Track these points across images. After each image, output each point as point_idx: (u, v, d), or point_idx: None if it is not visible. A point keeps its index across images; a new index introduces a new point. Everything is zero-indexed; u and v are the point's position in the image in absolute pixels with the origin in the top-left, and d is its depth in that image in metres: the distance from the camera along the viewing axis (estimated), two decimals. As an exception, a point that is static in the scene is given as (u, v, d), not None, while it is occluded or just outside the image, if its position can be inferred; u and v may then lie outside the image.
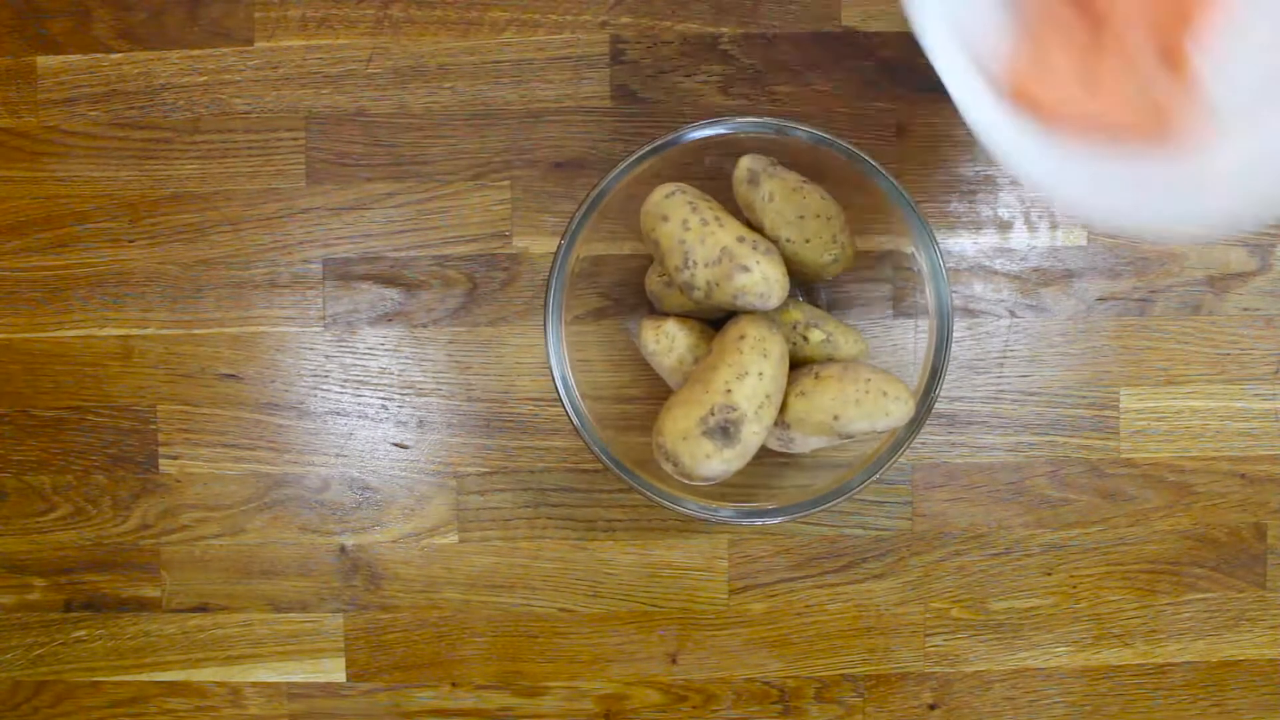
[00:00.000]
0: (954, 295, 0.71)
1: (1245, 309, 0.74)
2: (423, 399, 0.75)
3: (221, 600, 0.75)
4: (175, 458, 0.75)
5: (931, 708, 0.75)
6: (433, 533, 0.75)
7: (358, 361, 0.75)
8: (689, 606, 0.75)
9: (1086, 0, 0.41)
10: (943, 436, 0.74)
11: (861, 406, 0.60)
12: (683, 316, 0.66)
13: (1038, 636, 0.75)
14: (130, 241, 0.75)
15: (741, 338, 0.60)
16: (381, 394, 0.75)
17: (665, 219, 0.60)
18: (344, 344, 0.75)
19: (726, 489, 0.65)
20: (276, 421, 0.75)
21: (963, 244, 0.74)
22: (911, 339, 0.67)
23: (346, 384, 0.75)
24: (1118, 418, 0.74)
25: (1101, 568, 0.75)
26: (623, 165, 0.61)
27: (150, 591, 0.76)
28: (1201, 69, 0.39)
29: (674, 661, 0.75)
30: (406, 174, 0.74)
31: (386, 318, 0.75)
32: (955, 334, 0.73)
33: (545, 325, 0.63)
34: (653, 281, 0.68)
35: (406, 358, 0.75)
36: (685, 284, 0.60)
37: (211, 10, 0.75)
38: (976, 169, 0.74)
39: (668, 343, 0.65)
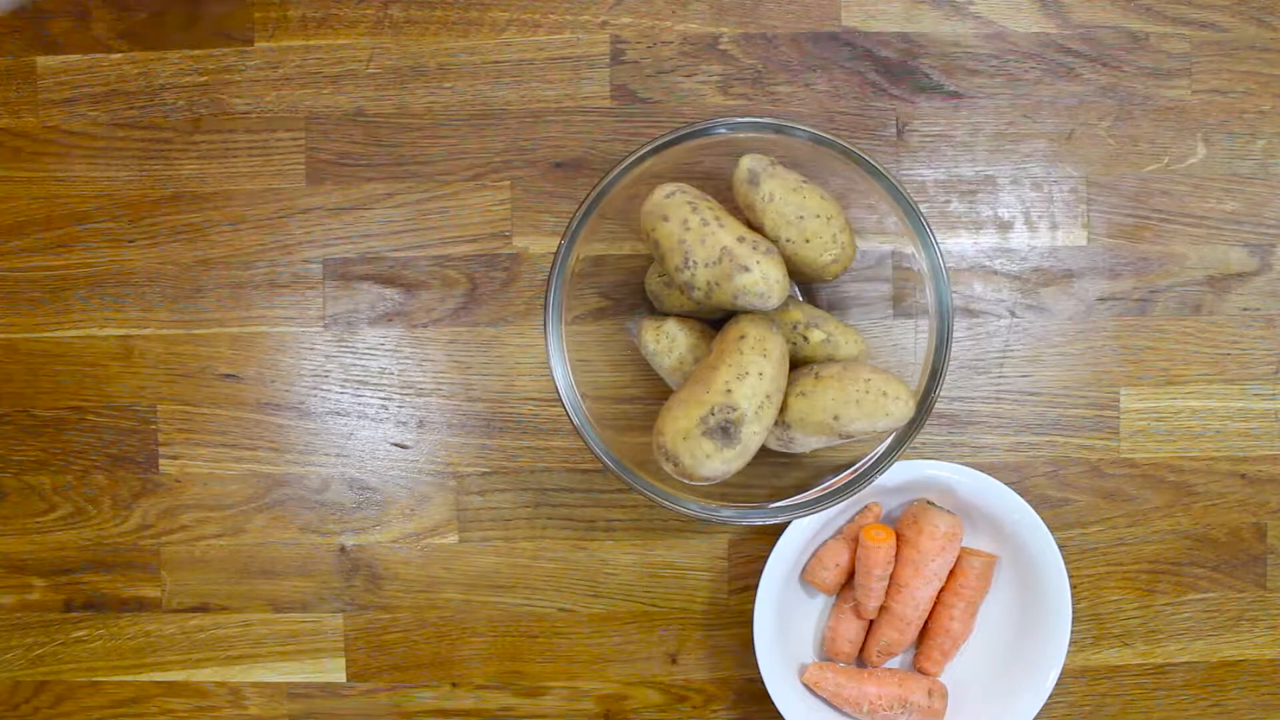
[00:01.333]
0: (954, 295, 0.71)
1: (1245, 309, 0.74)
2: (423, 399, 0.75)
3: (221, 600, 0.75)
4: (175, 458, 0.75)
5: (931, 708, 0.75)
6: (433, 533, 0.75)
7: (358, 361, 0.75)
8: (689, 606, 0.75)
9: None
10: (943, 436, 0.74)
11: (861, 406, 0.60)
12: (683, 316, 0.66)
13: (1038, 636, 0.75)
14: (130, 241, 0.75)
15: (741, 338, 0.60)
16: (381, 394, 0.75)
17: (665, 219, 0.60)
18: (344, 344, 0.75)
19: (726, 489, 0.65)
20: (276, 421, 0.75)
21: (963, 244, 0.74)
22: (911, 339, 0.67)
23: (346, 384, 0.75)
24: (1118, 418, 0.74)
25: (1101, 568, 0.75)
26: (623, 165, 0.61)
27: (150, 591, 0.75)
28: None
29: (674, 661, 0.75)
30: (406, 174, 0.74)
31: (386, 318, 0.75)
32: (955, 334, 0.73)
33: (545, 325, 0.63)
34: (653, 281, 0.68)
35: (406, 358, 0.75)
36: (685, 284, 0.60)
37: (211, 10, 0.75)
38: (976, 169, 0.74)
39: (668, 343, 0.65)
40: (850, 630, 0.71)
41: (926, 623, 0.71)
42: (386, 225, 0.74)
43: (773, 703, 0.69)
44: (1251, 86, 0.74)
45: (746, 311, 0.62)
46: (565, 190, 0.74)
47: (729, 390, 0.58)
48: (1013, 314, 0.74)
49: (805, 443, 0.63)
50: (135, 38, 0.75)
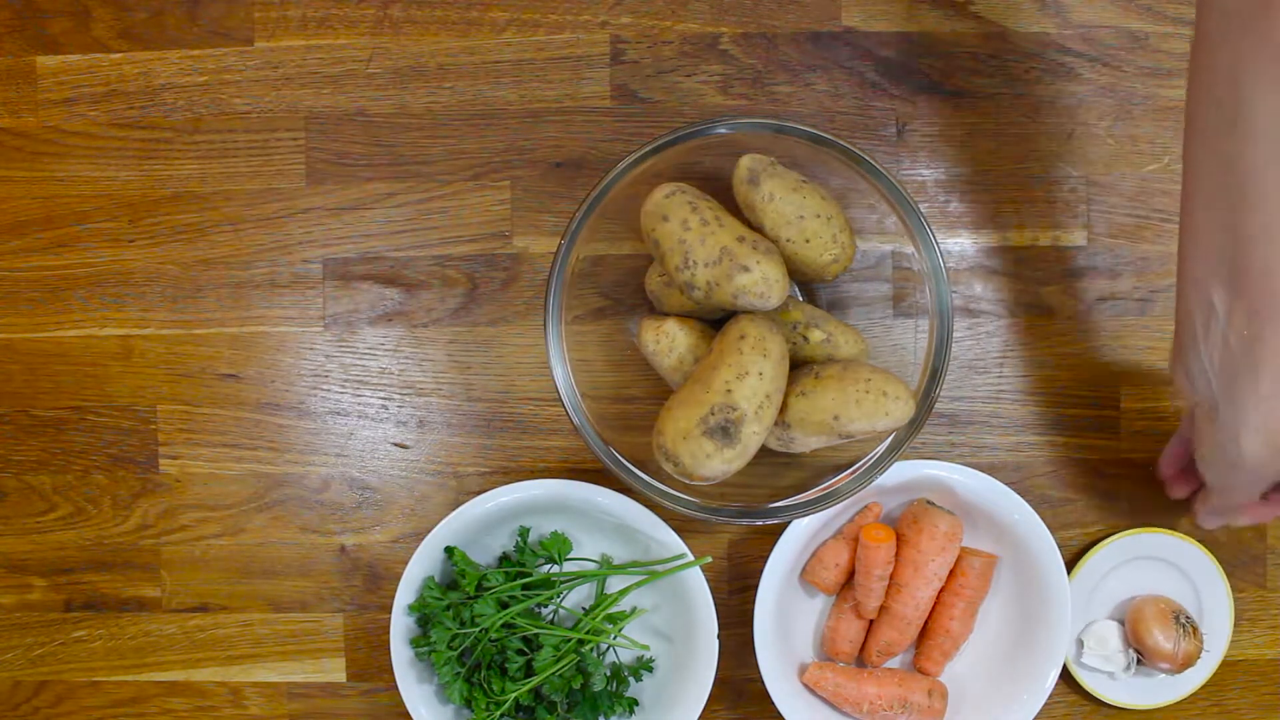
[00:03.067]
0: (954, 295, 0.71)
1: (1245, 309, 0.74)
2: (423, 399, 0.75)
3: (221, 600, 0.75)
4: (175, 458, 0.75)
5: (931, 708, 0.75)
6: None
7: (358, 361, 0.75)
8: (689, 606, 0.75)
9: None
10: (943, 436, 0.74)
11: (861, 406, 0.60)
12: (683, 316, 0.66)
13: (1038, 636, 0.75)
14: (130, 241, 0.75)
15: (741, 338, 0.60)
16: (381, 394, 0.75)
17: (665, 219, 0.60)
18: (344, 344, 0.75)
19: (726, 489, 0.65)
20: (276, 421, 0.75)
21: (963, 244, 0.74)
22: (911, 339, 0.67)
23: (346, 384, 0.75)
24: (1118, 418, 0.74)
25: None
26: (623, 165, 0.61)
27: (150, 591, 0.75)
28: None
29: (674, 661, 0.75)
30: (406, 174, 0.74)
31: (386, 318, 0.75)
32: (955, 334, 0.73)
33: (545, 325, 0.63)
34: (653, 281, 0.68)
35: (406, 358, 0.75)
36: (685, 284, 0.60)
37: (211, 10, 0.75)
38: (977, 169, 0.74)
39: (668, 343, 0.65)
40: (850, 630, 0.71)
41: (926, 623, 0.71)
42: (386, 225, 0.74)
43: (773, 703, 0.69)
44: (1251, 86, 0.74)
45: (746, 311, 0.62)
46: (565, 190, 0.74)
47: (729, 390, 0.58)
48: (1013, 314, 0.74)
49: (805, 443, 0.63)
50: (135, 38, 0.75)
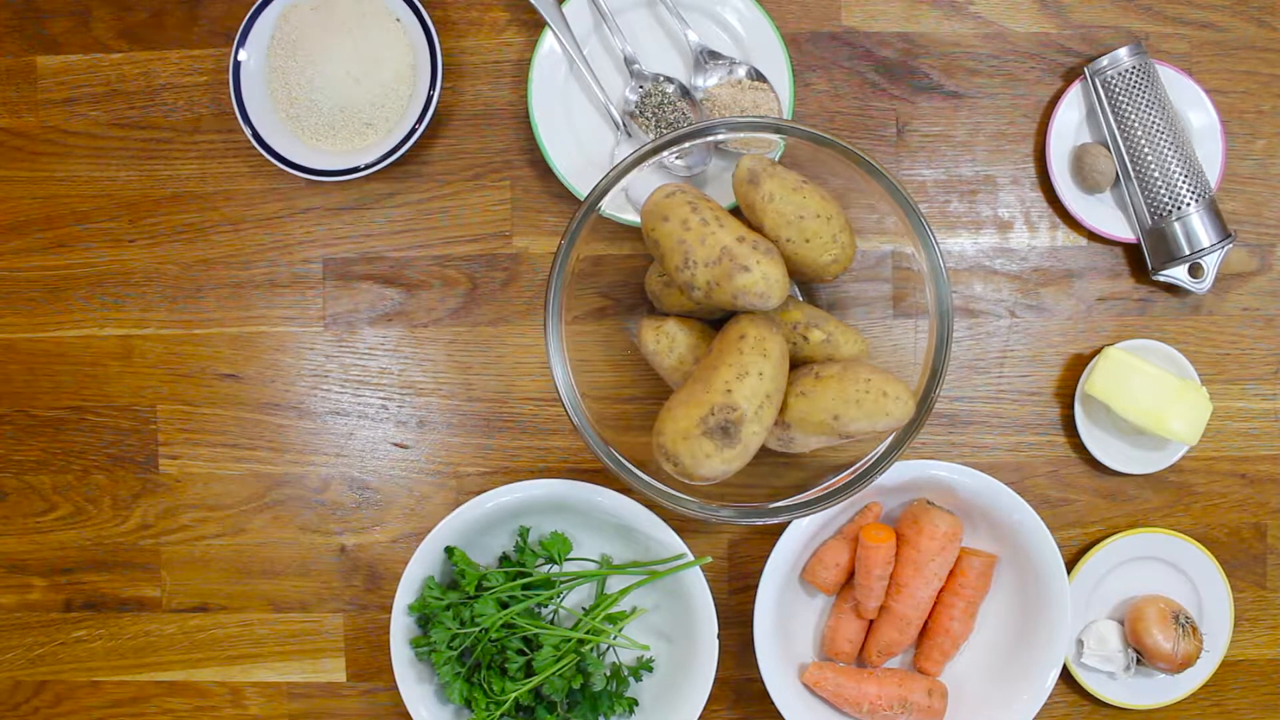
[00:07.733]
0: (954, 295, 0.71)
1: (1245, 309, 0.74)
2: (423, 399, 0.75)
3: (221, 600, 0.75)
4: (175, 458, 0.75)
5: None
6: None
7: (358, 361, 0.75)
8: (689, 606, 0.75)
9: None
10: (943, 436, 0.74)
11: (861, 406, 0.60)
12: (683, 316, 0.66)
13: (1038, 636, 0.75)
14: (130, 241, 0.75)
15: (741, 337, 0.60)
16: (381, 394, 0.75)
17: (665, 219, 0.60)
18: (344, 344, 0.75)
19: (726, 489, 0.65)
20: (276, 421, 0.75)
21: (963, 244, 0.74)
22: (911, 339, 0.67)
23: (346, 384, 0.75)
24: (1118, 418, 0.74)
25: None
26: (623, 165, 0.61)
27: (150, 591, 0.75)
28: None
29: (674, 661, 0.75)
30: (406, 174, 0.74)
31: (386, 318, 0.75)
32: (955, 334, 0.73)
33: (545, 325, 0.63)
34: (653, 281, 0.68)
35: (406, 358, 0.75)
36: (685, 284, 0.60)
37: (211, 10, 0.75)
38: (976, 169, 0.74)
39: (668, 343, 0.65)
40: (850, 630, 0.71)
41: (926, 623, 0.72)
42: (387, 225, 0.74)
43: (773, 703, 0.69)
44: (1251, 86, 0.74)
45: (746, 311, 0.62)
46: (565, 190, 0.74)
47: (729, 390, 0.58)
48: (1013, 314, 0.74)
49: (805, 443, 0.63)
50: (135, 38, 0.75)
